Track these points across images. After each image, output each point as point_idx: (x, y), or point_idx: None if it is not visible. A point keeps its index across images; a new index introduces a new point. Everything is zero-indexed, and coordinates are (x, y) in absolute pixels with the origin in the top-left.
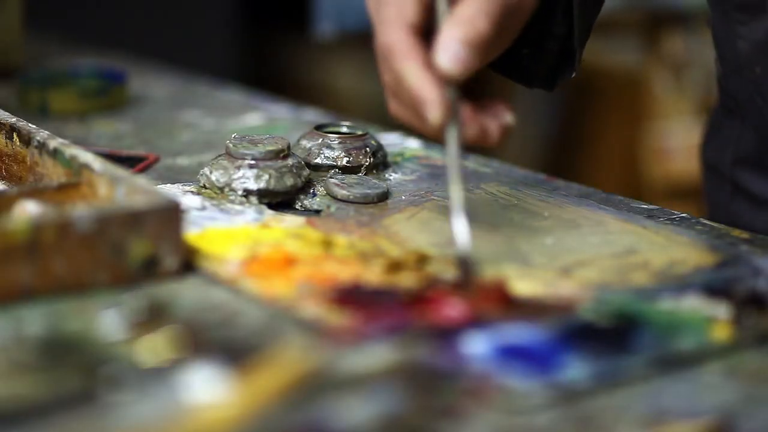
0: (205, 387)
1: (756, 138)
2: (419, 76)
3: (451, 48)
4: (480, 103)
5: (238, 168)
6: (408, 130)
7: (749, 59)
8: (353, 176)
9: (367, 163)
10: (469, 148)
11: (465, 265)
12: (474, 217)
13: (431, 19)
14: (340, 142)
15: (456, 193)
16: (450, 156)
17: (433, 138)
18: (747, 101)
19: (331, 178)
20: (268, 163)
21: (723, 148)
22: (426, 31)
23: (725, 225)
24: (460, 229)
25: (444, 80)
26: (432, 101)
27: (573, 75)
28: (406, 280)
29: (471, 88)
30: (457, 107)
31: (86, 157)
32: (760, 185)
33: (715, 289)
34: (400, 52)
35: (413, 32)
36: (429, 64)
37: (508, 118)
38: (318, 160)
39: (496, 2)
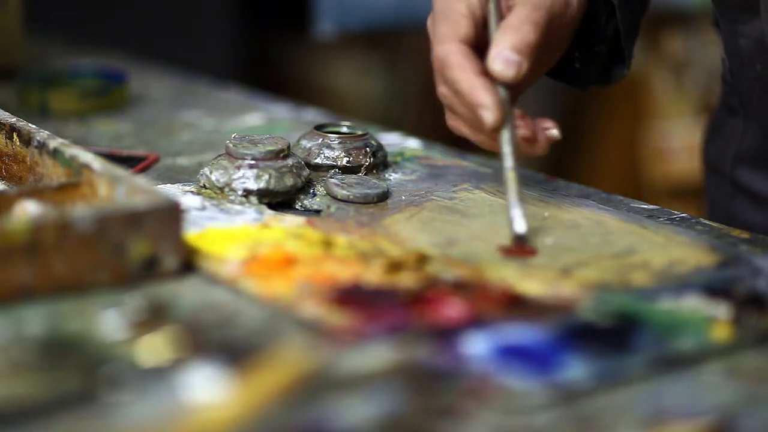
0: (205, 387)
1: (759, 136)
2: (474, 83)
3: (503, 53)
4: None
5: (238, 168)
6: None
7: (751, 57)
8: (353, 176)
9: (367, 163)
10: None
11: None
12: (474, 217)
13: (481, 36)
14: (340, 142)
15: (511, 184)
16: (505, 156)
17: (488, 147)
18: (750, 98)
19: (331, 178)
20: (268, 163)
21: (724, 147)
22: (476, 47)
23: (725, 223)
24: (518, 217)
25: (497, 84)
26: (488, 104)
27: (626, 72)
28: (406, 280)
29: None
30: (511, 110)
31: (86, 157)
32: (761, 184)
33: (715, 289)
34: (454, 62)
35: (466, 44)
36: (482, 72)
37: (555, 132)
38: (318, 160)
39: (542, 12)
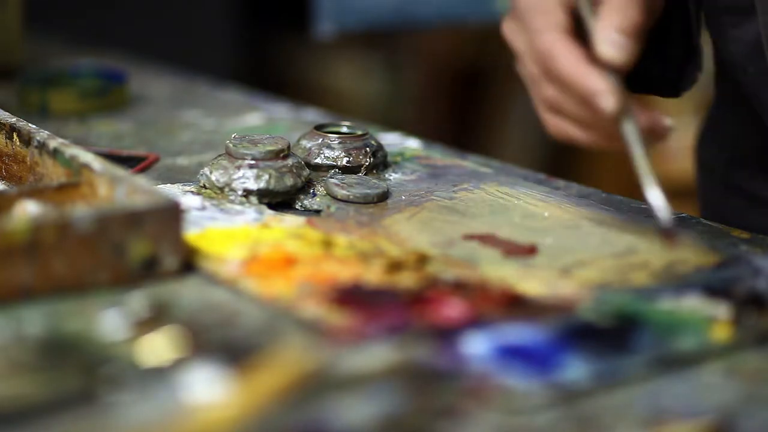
0: (205, 387)
1: (752, 137)
2: (586, 70)
3: (610, 36)
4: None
5: (238, 168)
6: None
7: (742, 60)
8: (353, 176)
9: (367, 163)
10: (484, 137)
11: (670, 234)
12: (474, 217)
13: (575, 23)
14: (340, 142)
15: (646, 168)
16: (633, 143)
17: (603, 146)
18: (741, 101)
19: (331, 178)
20: (268, 163)
21: (719, 148)
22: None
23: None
24: (659, 202)
25: (608, 70)
26: (604, 90)
27: (699, 75)
28: (406, 280)
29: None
30: (627, 96)
31: (86, 157)
32: (756, 184)
33: (715, 289)
34: (560, 52)
35: (568, 33)
36: (591, 60)
37: (668, 121)
38: (318, 160)
39: None
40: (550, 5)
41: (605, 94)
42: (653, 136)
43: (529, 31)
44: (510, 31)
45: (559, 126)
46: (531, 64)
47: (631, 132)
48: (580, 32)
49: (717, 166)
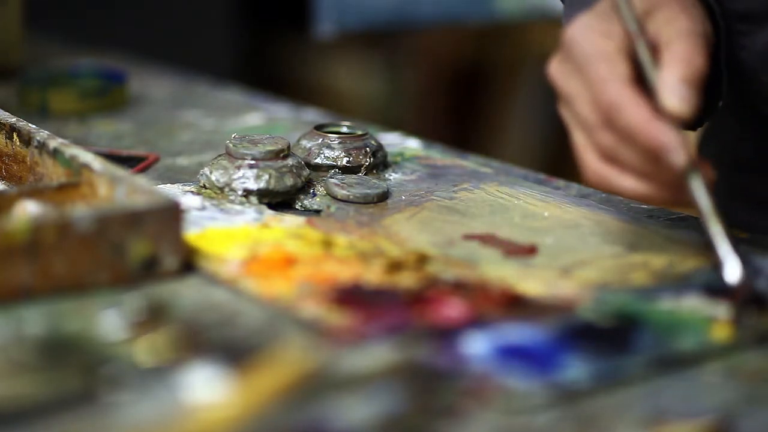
0: (205, 387)
1: (755, 141)
2: (656, 125)
3: (677, 88)
4: None
5: (238, 168)
6: (408, 131)
7: (753, 68)
8: (353, 176)
9: (367, 163)
10: (484, 138)
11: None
12: (474, 217)
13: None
14: (340, 142)
15: (719, 232)
16: (701, 198)
17: (659, 199)
18: (749, 108)
19: (331, 178)
20: (268, 163)
21: (721, 150)
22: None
23: None
24: (731, 259)
25: (673, 122)
26: (675, 146)
27: (721, 104)
28: (406, 280)
29: None
30: (694, 150)
31: (86, 157)
32: (760, 187)
33: (715, 289)
34: (628, 106)
35: (633, 84)
36: (654, 112)
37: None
38: (318, 160)
39: (701, 38)
40: (612, 53)
41: (676, 149)
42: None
43: (589, 78)
44: (561, 73)
45: (606, 174)
46: (588, 111)
47: (698, 187)
48: (640, 80)
49: (720, 169)
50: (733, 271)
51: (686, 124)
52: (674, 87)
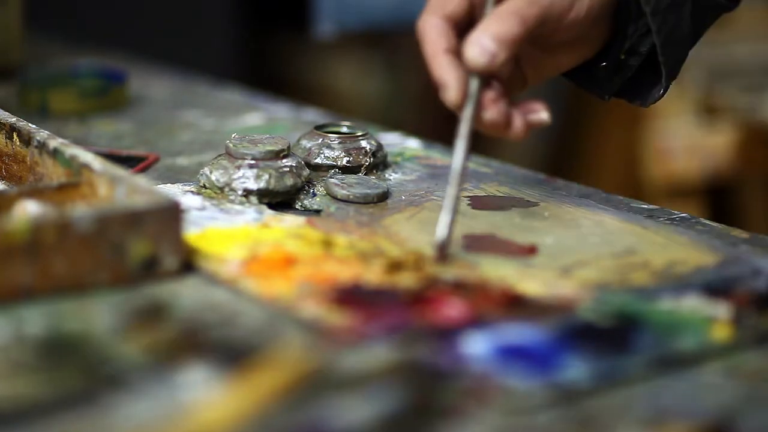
0: (205, 387)
1: None
2: (440, 61)
3: (479, 41)
4: (516, 101)
5: (238, 168)
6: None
7: None
8: (353, 176)
9: (367, 163)
10: (485, 138)
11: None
12: (474, 217)
13: (475, 16)
14: (340, 142)
15: (450, 194)
16: (457, 151)
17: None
18: None
19: (331, 178)
20: (268, 163)
21: None
22: (467, 27)
23: None
24: (441, 227)
25: (469, 71)
26: (450, 85)
27: (662, 93)
28: (406, 280)
29: (511, 86)
30: (476, 93)
31: (86, 157)
32: None
33: (715, 289)
34: (429, 37)
35: (448, 21)
36: (453, 51)
37: (542, 115)
38: (318, 160)
39: (535, 8)
40: None
41: (450, 88)
42: (506, 131)
43: (424, 8)
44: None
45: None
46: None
47: (460, 137)
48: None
49: None
50: (439, 232)
51: (491, 76)
52: (477, 39)
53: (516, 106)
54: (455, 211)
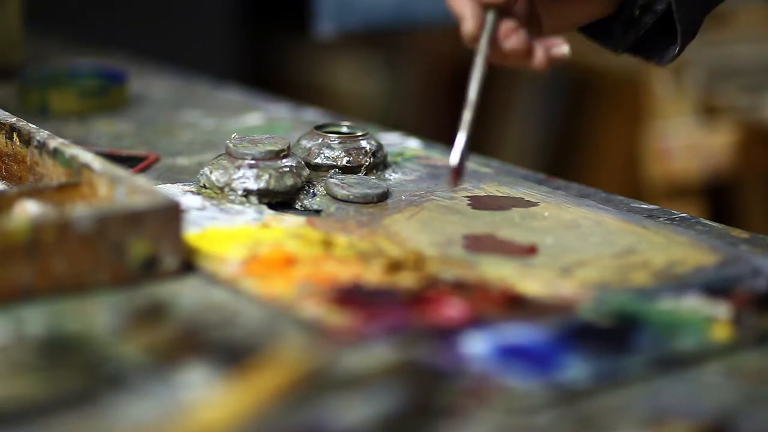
0: (205, 387)
1: None
2: None
3: None
4: (537, 35)
5: (238, 168)
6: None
7: None
8: (353, 176)
9: (367, 163)
10: (485, 138)
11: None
12: (474, 217)
13: None
14: (340, 142)
15: (466, 120)
16: (473, 81)
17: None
18: None
19: (331, 178)
20: (268, 163)
21: None
22: None
23: None
24: (456, 151)
25: (484, 4)
26: (466, 16)
27: (678, 52)
28: (406, 280)
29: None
30: (492, 24)
31: (86, 157)
32: None
33: (715, 289)
34: None
35: None
36: None
37: (563, 49)
38: (318, 160)
39: None
40: None
41: (465, 20)
42: (527, 60)
43: None
44: None
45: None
46: None
47: (476, 67)
48: None
49: None
50: (453, 157)
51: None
52: None
53: (537, 39)
54: (470, 136)
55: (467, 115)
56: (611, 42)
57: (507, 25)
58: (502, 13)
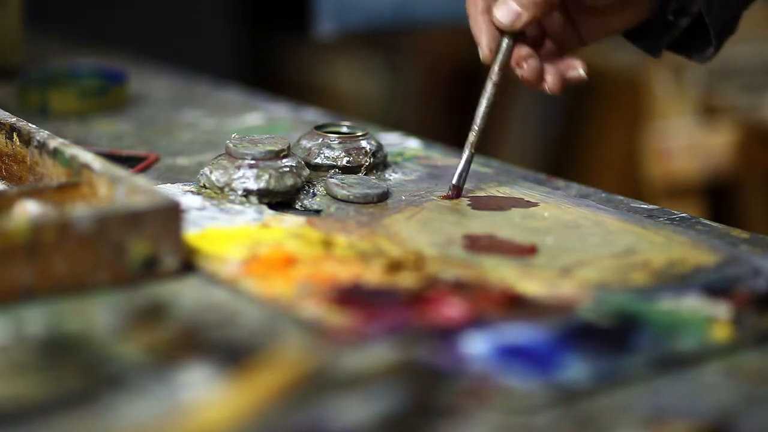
0: (205, 387)
1: None
2: (477, 21)
3: (507, 2)
4: (553, 56)
5: (238, 168)
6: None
7: None
8: (353, 176)
9: (367, 163)
10: (485, 138)
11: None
12: (474, 217)
13: None
14: (340, 142)
15: (470, 140)
16: (482, 103)
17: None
18: None
19: (331, 178)
20: (268, 163)
21: None
22: None
23: None
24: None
25: (499, 29)
26: (482, 43)
27: (714, 53)
28: (406, 280)
29: (543, 42)
30: (506, 49)
31: (86, 157)
32: None
33: (715, 289)
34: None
35: None
36: (489, 11)
37: (580, 71)
38: (318, 160)
39: None
40: None
41: (481, 46)
42: (539, 84)
43: None
44: None
45: None
46: None
47: (485, 92)
48: None
49: None
50: (455, 177)
51: (517, 35)
52: (503, 1)
53: (553, 62)
54: (472, 156)
55: (472, 137)
56: (647, 45)
57: (520, 51)
58: (519, 36)
